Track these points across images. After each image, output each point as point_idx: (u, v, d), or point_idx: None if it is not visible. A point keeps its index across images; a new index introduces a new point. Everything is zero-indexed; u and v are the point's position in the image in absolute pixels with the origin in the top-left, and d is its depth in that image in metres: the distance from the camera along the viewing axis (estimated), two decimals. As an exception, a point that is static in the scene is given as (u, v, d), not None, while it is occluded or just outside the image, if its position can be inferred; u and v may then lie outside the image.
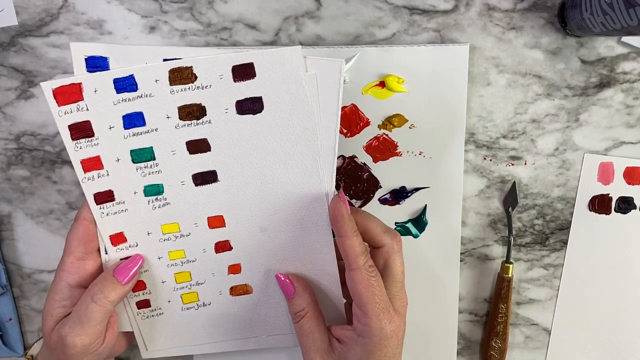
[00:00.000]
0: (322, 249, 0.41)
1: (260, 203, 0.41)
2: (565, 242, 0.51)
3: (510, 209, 0.49)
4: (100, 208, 0.40)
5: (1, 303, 0.52)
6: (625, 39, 0.47)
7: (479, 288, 0.52)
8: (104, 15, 0.47)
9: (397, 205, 0.49)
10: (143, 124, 0.39)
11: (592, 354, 0.52)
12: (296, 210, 0.41)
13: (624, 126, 0.49)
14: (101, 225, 0.41)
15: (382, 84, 0.47)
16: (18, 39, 0.47)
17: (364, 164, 0.48)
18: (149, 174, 0.40)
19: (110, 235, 0.41)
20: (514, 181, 0.49)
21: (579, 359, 0.52)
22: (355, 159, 0.48)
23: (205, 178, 0.40)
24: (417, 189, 0.49)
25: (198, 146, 0.40)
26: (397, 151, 0.48)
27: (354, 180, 0.49)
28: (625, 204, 0.50)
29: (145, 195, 0.41)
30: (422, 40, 0.47)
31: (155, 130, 0.39)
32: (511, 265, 0.50)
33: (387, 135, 0.48)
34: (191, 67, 0.38)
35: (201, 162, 0.40)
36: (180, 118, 0.39)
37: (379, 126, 0.48)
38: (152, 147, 0.40)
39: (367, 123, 0.48)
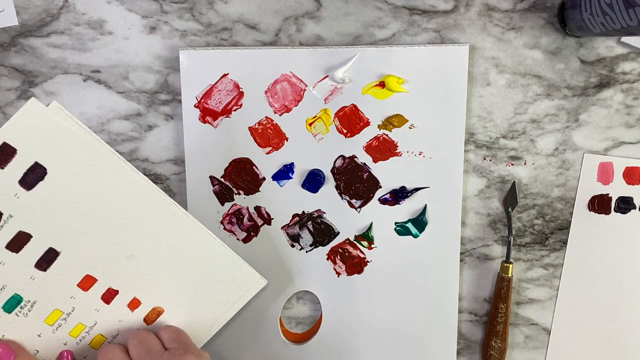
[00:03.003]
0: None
1: (110, 244, 0.40)
2: (565, 242, 0.51)
3: (510, 209, 0.49)
4: None
5: (1, 303, 0.52)
6: (624, 39, 0.47)
7: (479, 288, 0.52)
8: (104, 16, 0.47)
9: (397, 205, 0.49)
10: None
11: (592, 354, 0.52)
12: (150, 232, 0.41)
13: (623, 126, 0.49)
14: None
15: (382, 84, 0.47)
16: (18, 39, 0.47)
17: (364, 164, 0.48)
18: None
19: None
20: (514, 181, 0.50)
21: (579, 359, 0.52)
22: (355, 159, 0.48)
23: (48, 259, 0.39)
24: (417, 189, 0.49)
25: (19, 242, 0.38)
26: (397, 151, 0.48)
27: (354, 180, 0.49)
28: (625, 204, 0.50)
29: (9, 312, 0.39)
30: (422, 40, 0.47)
31: None
32: (511, 265, 0.50)
33: (387, 135, 0.48)
34: None
35: (33, 251, 0.38)
36: None
37: (379, 126, 0.48)
38: None
39: (367, 123, 0.48)
